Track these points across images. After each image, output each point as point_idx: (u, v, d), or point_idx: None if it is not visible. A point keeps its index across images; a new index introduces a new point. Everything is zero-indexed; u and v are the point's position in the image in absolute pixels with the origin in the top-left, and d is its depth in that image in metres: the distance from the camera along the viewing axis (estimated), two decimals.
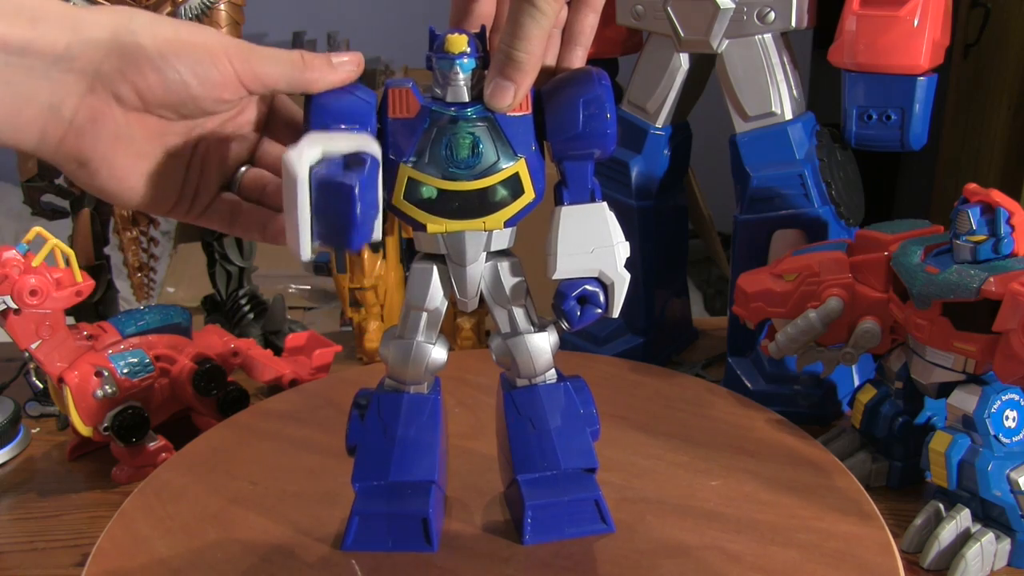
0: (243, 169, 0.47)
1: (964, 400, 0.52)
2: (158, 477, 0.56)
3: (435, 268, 0.45)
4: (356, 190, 0.38)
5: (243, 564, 0.47)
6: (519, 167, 0.43)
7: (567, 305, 0.44)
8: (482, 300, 0.46)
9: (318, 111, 0.42)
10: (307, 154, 0.38)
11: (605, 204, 0.44)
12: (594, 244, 0.44)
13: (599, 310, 0.45)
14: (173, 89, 0.40)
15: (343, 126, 0.41)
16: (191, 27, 0.41)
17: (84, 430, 0.61)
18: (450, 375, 0.56)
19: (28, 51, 0.37)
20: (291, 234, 0.39)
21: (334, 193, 0.38)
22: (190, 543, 0.49)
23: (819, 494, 0.52)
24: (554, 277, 0.44)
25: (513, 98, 0.42)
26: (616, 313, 0.45)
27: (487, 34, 0.44)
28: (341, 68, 0.42)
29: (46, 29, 0.37)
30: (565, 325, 0.45)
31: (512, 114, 0.42)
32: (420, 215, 0.43)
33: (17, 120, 0.38)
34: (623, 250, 0.44)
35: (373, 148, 0.41)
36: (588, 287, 0.44)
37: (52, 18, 0.37)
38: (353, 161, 0.40)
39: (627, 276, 0.44)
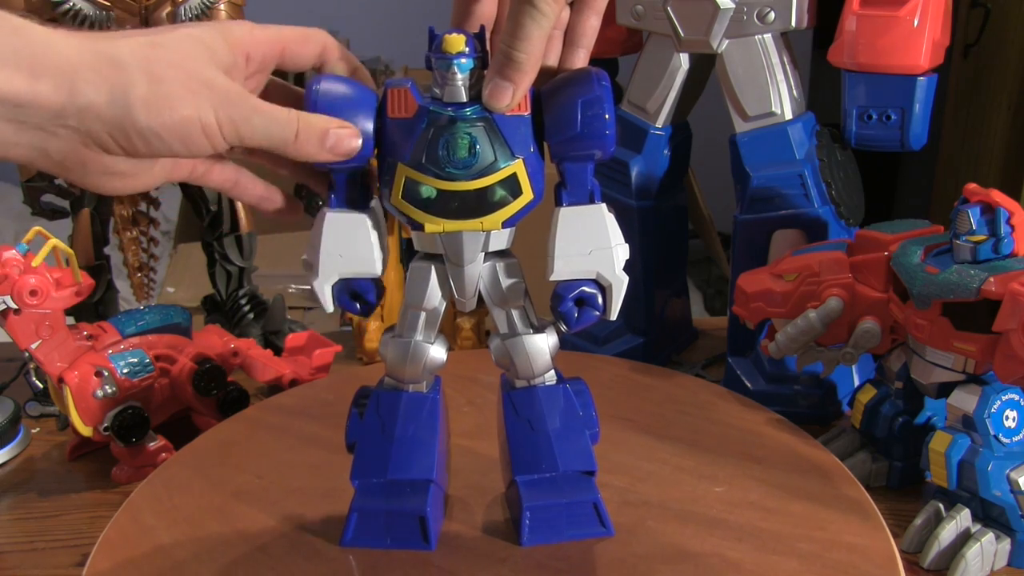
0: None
1: (964, 400, 0.52)
2: (167, 469, 0.57)
3: (433, 268, 0.45)
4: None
5: (244, 557, 0.48)
6: (517, 167, 0.43)
7: (564, 307, 0.44)
8: (481, 300, 0.46)
9: (318, 103, 0.43)
10: (327, 288, 0.45)
11: (604, 206, 0.44)
12: (592, 246, 0.44)
13: (597, 312, 0.45)
14: (160, 153, 0.40)
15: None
16: (188, 90, 0.39)
17: (84, 430, 0.61)
18: (461, 374, 0.56)
19: (23, 106, 0.37)
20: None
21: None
22: (194, 535, 0.50)
23: (825, 503, 0.52)
24: (552, 278, 0.44)
25: (511, 98, 0.42)
26: (614, 316, 0.45)
27: (486, 35, 0.44)
28: (332, 151, 0.42)
29: (44, 88, 0.37)
30: (563, 327, 0.45)
31: (510, 114, 0.42)
32: (418, 215, 0.43)
33: (3, 154, 0.39)
34: (622, 252, 0.44)
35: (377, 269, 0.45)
36: (586, 289, 0.44)
37: (50, 75, 0.37)
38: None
39: (625, 278, 0.44)
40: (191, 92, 0.39)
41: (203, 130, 0.40)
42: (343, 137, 0.42)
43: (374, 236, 0.45)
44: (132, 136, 0.39)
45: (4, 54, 0.36)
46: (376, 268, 0.45)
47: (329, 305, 0.45)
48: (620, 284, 0.44)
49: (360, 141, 0.43)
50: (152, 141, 0.39)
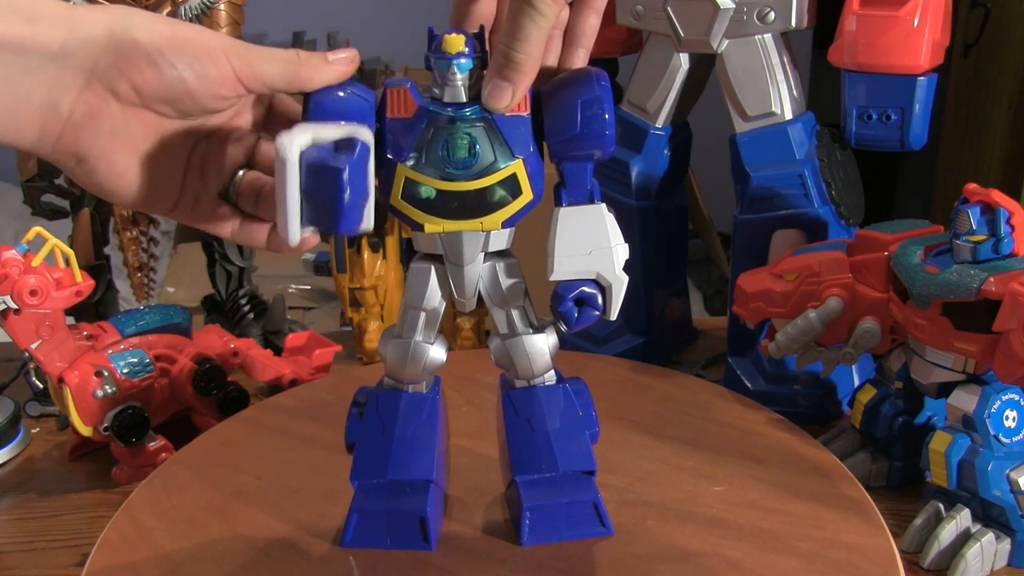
0: (241, 173, 0.46)
1: (964, 400, 0.52)
2: (166, 469, 0.57)
3: (433, 268, 0.45)
4: (345, 174, 0.39)
5: (243, 558, 0.48)
6: (517, 168, 0.43)
7: (564, 307, 0.44)
8: (481, 300, 0.46)
9: (316, 109, 0.42)
10: (298, 139, 0.39)
11: (604, 206, 0.44)
12: (592, 246, 0.44)
13: (597, 312, 0.44)
14: (170, 85, 0.40)
15: (342, 123, 0.41)
16: (188, 26, 0.41)
17: (84, 430, 0.61)
18: (461, 374, 0.56)
19: (24, 49, 0.37)
20: (281, 219, 0.39)
21: (323, 175, 0.39)
22: (193, 536, 0.50)
23: (825, 502, 0.52)
24: (552, 278, 0.44)
25: (511, 99, 0.42)
26: (614, 316, 0.45)
27: (486, 35, 0.44)
28: (336, 64, 0.42)
29: (42, 27, 0.37)
30: (563, 327, 0.45)
31: (510, 115, 0.42)
32: (418, 215, 0.43)
33: (15, 118, 0.38)
34: (622, 252, 0.44)
35: (365, 135, 0.41)
36: (586, 289, 0.44)
37: (48, 17, 0.37)
38: (343, 146, 0.40)
39: (625, 278, 0.44)
40: (193, 27, 0.41)
41: (209, 55, 0.40)
42: (342, 55, 0.43)
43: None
44: (140, 62, 0.39)
45: (1, 5, 0.36)
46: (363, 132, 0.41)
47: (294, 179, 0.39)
48: (620, 284, 0.44)
49: (358, 61, 0.43)
50: (159, 63, 0.39)
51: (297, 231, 0.40)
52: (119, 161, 0.41)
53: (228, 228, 0.47)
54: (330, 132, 0.41)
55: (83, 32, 0.38)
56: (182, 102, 0.41)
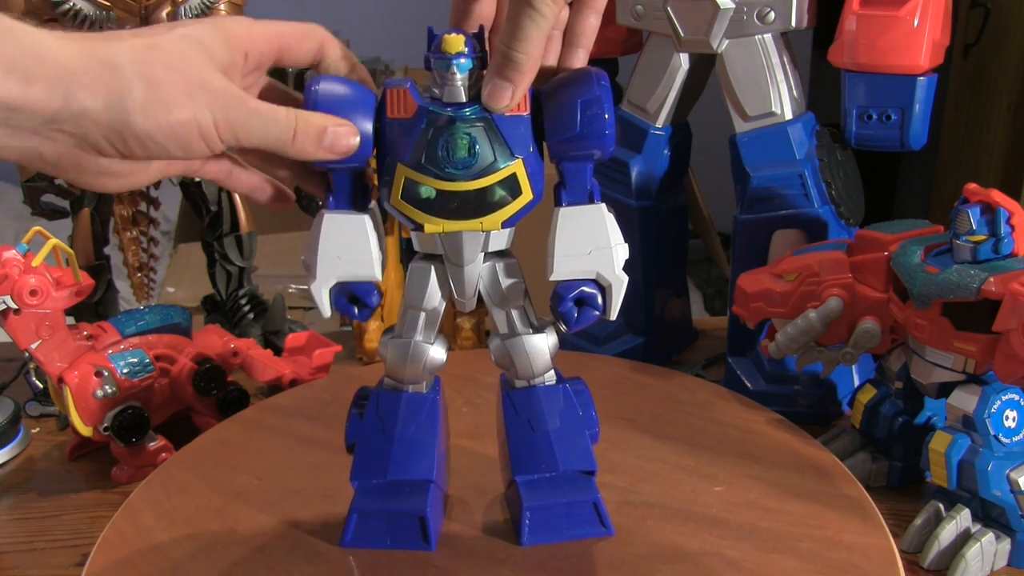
0: None
1: (964, 400, 0.52)
2: (166, 470, 0.57)
3: (433, 268, 0.45)
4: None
5: (243, 558, 0.48)
6: (517, 167, 0.43)
7: (564, 307, 0.44)
8: (481, 300, 0.46)
9: (318, 103, 0.43)
10: (325, 291, 0.45)
11: (604, 205, 0.44)
12: (592, 246, 0.44)
13: (596, 312, 0.45)
14: (157, 156, 0.40)
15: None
16: (185, 93, 0.39)
17: (84, 430, 0.61)
18: (460, 374, 0.56)
19: (17, 111, 0.37)
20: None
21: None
22: (192, 536, 0.50)
23: (824, 502, 0.52)
24: (552, 278, 0.44)
25: (511, 99, 0.42)
26: (614, 316, 0.45)
27: (485, 35, 0.44)
28: (330, 150, 0.42)
29: (38, 93, 0.36)
30: (563, 327, 0.45)
31: (510, 114, 0.42)
32: (418, 215, 0.43)
33: None
34: (622, 252, 0.44)
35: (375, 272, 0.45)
36: (585, 289, 0.44)
37: (45, 79, 0.36)
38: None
39: (625, 278, 0.44)
40: (188, 95, 0.39)
41: (200, 133, 0.40)
42: (341, 135, 0.42)
43: (373, 238, 0.45)
44: (129, 140, 0.39)
45: None
46: (376, 271, 0.45)
47: (327, 310, 0.45)
48: (620, 284, 0.44)
49: (358, 139, 0.43)
50: (149, 145, 0.39)
51: (327, 307, 0.45)
52: (107, 181, 0.42)
53: (220, 172, 0.47)
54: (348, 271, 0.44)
55: (79, 105, 0.37)
56: (166, 161, 0.42)
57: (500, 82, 0.41)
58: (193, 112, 0.39)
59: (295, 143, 0.42)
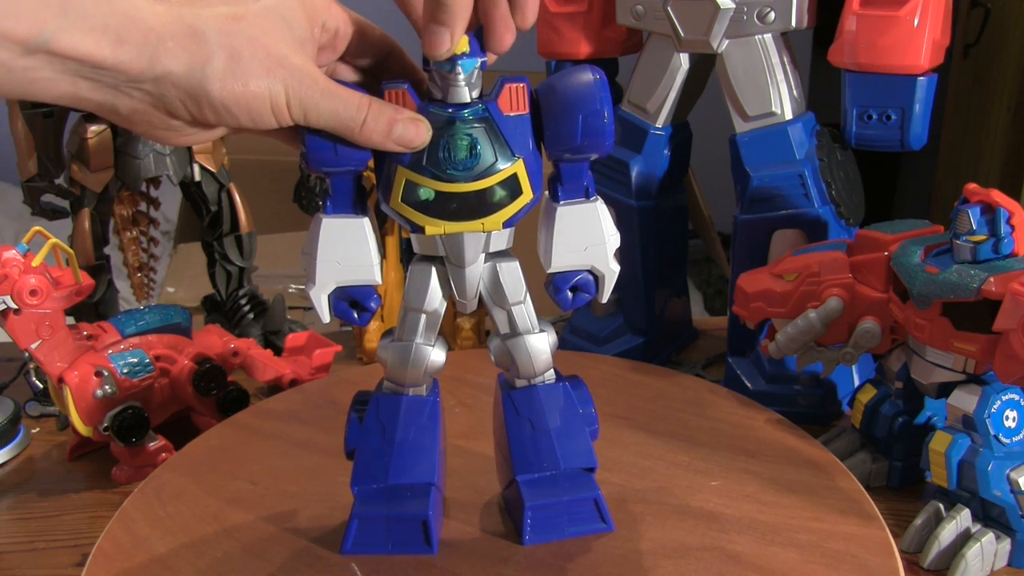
0: None
1: (964, 400, 0.52)
2: (158, 477, 0.56)
3: (433, 269, 0.45)
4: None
5: (242, 565, 0.48)
6: (517, 168, 0.43)
7: (560, 296, 0.46)
8: (481, 300, 0.46)
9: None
10: (324, 296, 0.45)
11: (599, 202, 0.45)
12: (588, 242, 0.45)
13: (589, 296, 0.46)
14: (227, 124, 0.41)
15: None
16: (263, 67, 0.40)
17: (84, 430, 0.61)
18: (450, 375, 0.56)
19: (106, 69, 0.37)
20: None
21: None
22: (189, 543, 0.49)
23: (820, 495, 0.52)
24: (549, 271, 0.46)
25: (450, 42, 0.41)
26: (606, 299, 0.47)
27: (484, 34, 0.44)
28: (399, 142, 0.42)
29: (127, 54, 0.37)
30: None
31: (509, 114, 0.42)
32: (418, 217, 0.43)
33: (72, 103, 0.39)
34: (614, 242, 0.46)
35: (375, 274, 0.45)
36: (580, 278, 0.46)
37: (134, 42, 0.37)
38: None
39: (617, 268, 0.46)
40: (266, 70, 0.40)
41: (272, 108, 0.40)
42: (410, 127, 0.42)
43: (372, 242, 0.45)
44: (203, 107, 0.39)
45: (94, 20, 0.36)
46: (375, 275, 0.45)
47: (326, 315, 0.45)
48: (612, 274, 0.46)
49: (430, 134, 0.42)
50: (221, 113, 0.40)
51: (326, 312, 0.45)
52: (175, 136, 0.42)
53: (280, 137, 0.46)
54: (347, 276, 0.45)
55: (162, 68, 0.38)
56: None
57: (435, 27, 0.41)
58: (268, 87, 0.40)
59: (363, 130, 0.42)
